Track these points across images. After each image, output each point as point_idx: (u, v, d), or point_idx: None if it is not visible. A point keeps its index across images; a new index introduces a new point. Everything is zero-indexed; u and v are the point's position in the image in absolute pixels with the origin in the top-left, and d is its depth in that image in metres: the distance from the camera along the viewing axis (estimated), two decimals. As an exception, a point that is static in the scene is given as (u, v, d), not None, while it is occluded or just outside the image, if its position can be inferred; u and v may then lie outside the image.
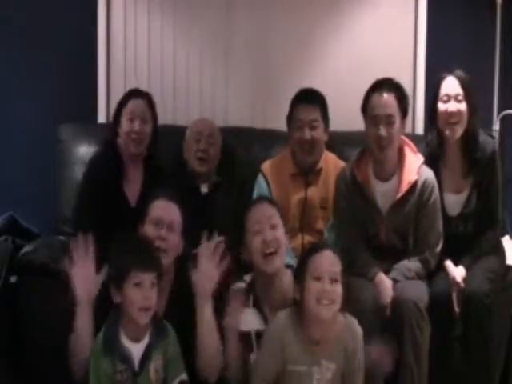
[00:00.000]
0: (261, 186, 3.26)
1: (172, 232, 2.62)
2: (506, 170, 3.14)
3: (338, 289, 2.42)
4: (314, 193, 3.22)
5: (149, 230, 2.61)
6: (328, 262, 2.44)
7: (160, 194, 2.73)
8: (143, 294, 2.36)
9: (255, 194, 3.24)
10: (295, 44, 3.94)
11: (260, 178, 3.28)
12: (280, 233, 2.61)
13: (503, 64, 3.84)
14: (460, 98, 2.95)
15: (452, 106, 2.95)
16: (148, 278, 2.37)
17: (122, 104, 3.23)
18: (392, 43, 3.91)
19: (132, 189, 3.18)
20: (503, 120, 3.81)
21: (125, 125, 3.18)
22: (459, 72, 3.00)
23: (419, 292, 2.78)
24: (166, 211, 2.65)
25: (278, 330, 2.45)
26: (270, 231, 2.59)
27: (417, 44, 3.90)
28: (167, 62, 3.96)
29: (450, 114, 2.95)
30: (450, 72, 3.00)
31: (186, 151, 3.35)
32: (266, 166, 3.32)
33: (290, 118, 3.24)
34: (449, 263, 2.93)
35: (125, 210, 3.09)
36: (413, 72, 3.90)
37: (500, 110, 3.82)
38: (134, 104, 3.20)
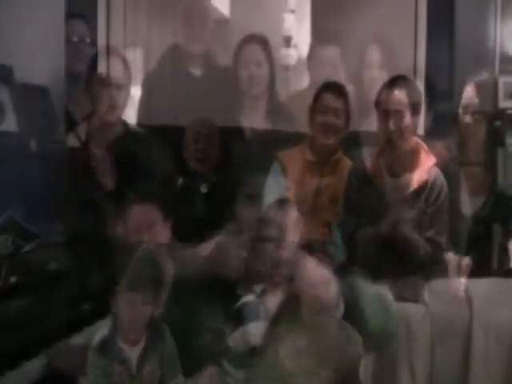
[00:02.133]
0: (276, 171, 3.26)
1: (154, 227, 2.64)
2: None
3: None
4: (327, 183, 3.23)
5: (131, 238, 2.64)
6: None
7: (133, 197, 2.74)
8: (135, 311, 2.37)
9: (270, 181, 3.24)
10: (296, 44, 3.94)
11: (275, 165, 3.28)
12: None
13: (503, 64, 3.84)
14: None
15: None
16: (141, 297, 2.37)
17: None
18: (392, 43, 3.90)
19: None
20: (503, 120, 3.81)
21: None
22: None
23: (420, 291, 2.81)
24: (142, 216, 2.67)
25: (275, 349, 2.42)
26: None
27: (417, 44, 3.90)
28: (167, 62, 3.96)
29: None
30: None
31: (185, 151, 3.36)
32: (282, 153, 3.32)
33: (315, 105, 3.26)
34: (451, 255, 2.95)
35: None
36: (413, 72, 3.90)
37: (500, 110, 3.83)
38: None
